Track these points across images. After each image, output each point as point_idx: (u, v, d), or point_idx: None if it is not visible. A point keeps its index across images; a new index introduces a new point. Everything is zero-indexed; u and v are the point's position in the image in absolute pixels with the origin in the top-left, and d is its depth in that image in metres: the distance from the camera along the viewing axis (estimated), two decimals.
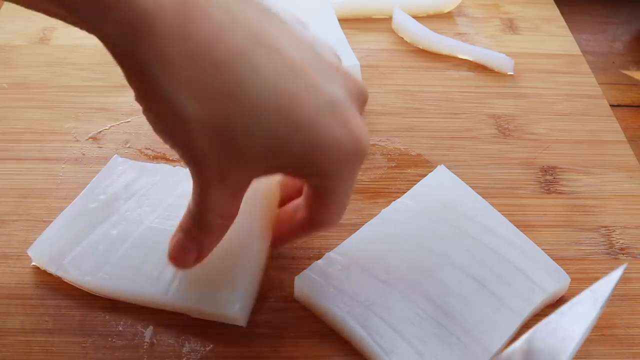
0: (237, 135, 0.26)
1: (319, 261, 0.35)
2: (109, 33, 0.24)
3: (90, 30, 0.25)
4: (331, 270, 0.35)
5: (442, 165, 0.42)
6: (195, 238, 0.31)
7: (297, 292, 0.35)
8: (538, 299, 0.35)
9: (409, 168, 0.44)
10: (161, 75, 0.24)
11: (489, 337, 0.33)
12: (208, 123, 0.25)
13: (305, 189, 0.32)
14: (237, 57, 0.25)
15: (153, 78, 0.24)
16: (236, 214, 0.31)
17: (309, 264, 0.35)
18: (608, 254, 0.39)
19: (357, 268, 0.35)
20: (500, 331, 0.33)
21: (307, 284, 0.34)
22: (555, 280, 0.36)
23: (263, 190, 0.36)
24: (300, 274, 0.35)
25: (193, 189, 0.29)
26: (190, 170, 0.29)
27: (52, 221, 0.38)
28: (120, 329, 0.34)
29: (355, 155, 0.28)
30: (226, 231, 0.32)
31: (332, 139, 0.27)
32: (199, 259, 0.32)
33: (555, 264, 0.36)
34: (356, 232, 0.37)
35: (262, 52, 0.26)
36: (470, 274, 0.35)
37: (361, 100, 0.30)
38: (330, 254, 0.36)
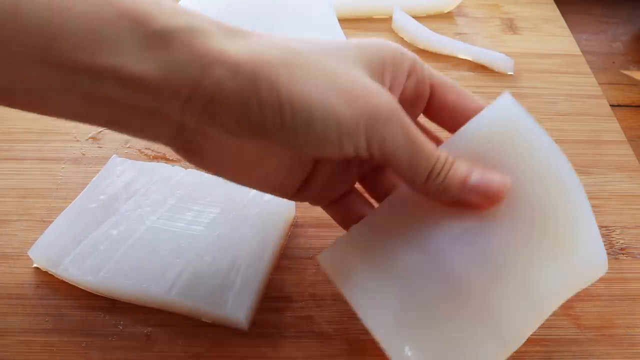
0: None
1: (343, 237, 0.31)
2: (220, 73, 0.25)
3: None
4: (354, 250, 0.31)
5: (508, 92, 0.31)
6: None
7: (322, 265, 0.31)
8: (568, 292, 0.30)
9: None
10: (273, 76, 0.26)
11: (512, 330, 0.29)
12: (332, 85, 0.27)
13: None
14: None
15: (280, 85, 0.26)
16: None
17: (309, 264, 0.35)
18: (608, 254, 0.39)
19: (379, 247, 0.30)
20: (523, 324, 0.29)
21: (330, 262, 0.31)
22: (596, 271, 0.30)
23: (287, 211, 0.38)
24: (325, 251, 0.31)
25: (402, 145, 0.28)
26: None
27: (52, 221, 0.38)
28: (120, 328, 0.34)
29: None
30: None
31: None
32: None
33: (605, 252, 0.30)
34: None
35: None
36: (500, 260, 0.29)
37: None
38: (354, 230, 0.31)
